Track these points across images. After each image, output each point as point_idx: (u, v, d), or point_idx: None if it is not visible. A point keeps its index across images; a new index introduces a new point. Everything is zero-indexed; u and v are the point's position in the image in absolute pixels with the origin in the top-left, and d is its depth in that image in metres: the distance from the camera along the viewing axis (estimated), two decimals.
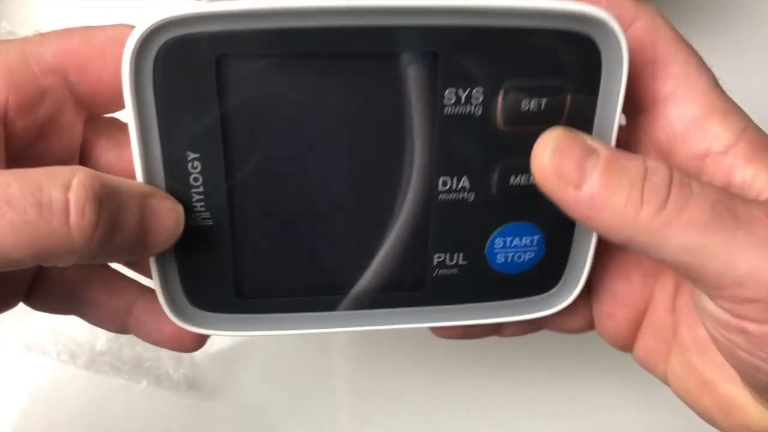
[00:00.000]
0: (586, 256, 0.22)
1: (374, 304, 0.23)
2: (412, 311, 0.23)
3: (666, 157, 0.21)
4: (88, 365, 0.40)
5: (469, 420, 0.41)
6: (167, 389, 0.40)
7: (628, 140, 0.22)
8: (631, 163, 0.18)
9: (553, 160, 0.18)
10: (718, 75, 0.21)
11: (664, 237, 0.18)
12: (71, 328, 0.40)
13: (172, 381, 0.40)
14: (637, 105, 0.21)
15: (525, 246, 0.22)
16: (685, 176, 0.18)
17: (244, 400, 0.41)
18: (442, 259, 0.22)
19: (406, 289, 0.23)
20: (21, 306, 0.40)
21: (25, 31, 0.40)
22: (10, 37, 0.40)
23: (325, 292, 0.23)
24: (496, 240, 0.22)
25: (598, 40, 0.19)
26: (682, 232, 0.18)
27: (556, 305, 0.23)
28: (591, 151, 0.18)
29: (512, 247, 0.22)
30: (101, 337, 0.40)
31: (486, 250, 0.22)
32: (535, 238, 0.22)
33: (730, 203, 0.18)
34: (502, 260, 0.22)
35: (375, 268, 0.22)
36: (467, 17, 0.18)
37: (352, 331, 0.24)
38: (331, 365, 0.41)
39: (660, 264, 0.22)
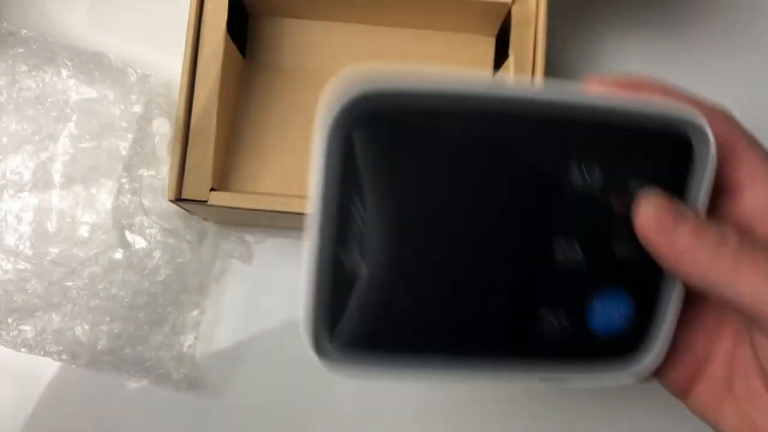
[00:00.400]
0: (671, 325, 0.25)
1: (483, 356, 0.25)
2: (517, 364, 0.25)
3: (756, 222, 0.25)
4: (89, 365, 0.40)
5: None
6: (168, 389, 0.40)
7: (714, 218, 0.26)
8: (712, 227, 0.23)
9: (656, 215, 0.23)
10: None
11: (737, 283, 0.22)
12: (72, 328, 0.40)
13: (173, 380, 0.40)
14: (719, 189, 0.25)
15: (620, 313, 0.25)
16: (749, 237, 0.23)
17: (244, 400, 0.41)
18: (547, 316, 0.24)
19: (512, 343, 0.25)
20: (19, 306, 0.40)
21: (25, 31, 0.40)
22: (11, 38, 0.40)
23: (452, 344, 0.25)
24: (596, 304, 0.24)
25: (694, 140, 0.23)
26: (751, 278, 0.22)
27: (643, 370, 0.25)
28: (683, 213, 0.23)
29: (609, 313, 0.24)
30: (102, 337, 0.40)
31: (586, 312, 0.24)
32: (629, 307, 0.25)
33: None
34: (599, 324, 0.24)
35: (489, 323, 0.24)
36: (601, 115, 0.23)
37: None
38: None
39: (721, 320, 0.26)
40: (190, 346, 0.41)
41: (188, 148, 0.35)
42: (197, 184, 0.35)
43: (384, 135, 0.22)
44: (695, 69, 0.44)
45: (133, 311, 0.40)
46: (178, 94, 0.35)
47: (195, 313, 0.41)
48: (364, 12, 0.39)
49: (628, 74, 0.25)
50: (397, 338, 0.24)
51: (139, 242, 0.39)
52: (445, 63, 0.40)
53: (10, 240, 0.40)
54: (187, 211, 0.38)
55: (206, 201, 0.35)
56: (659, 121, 0.23)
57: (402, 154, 0.22)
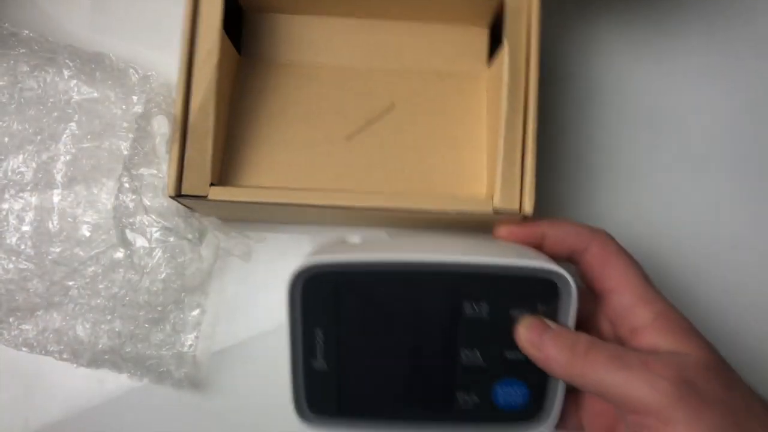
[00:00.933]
0: (559, 402, 0.34)
1: (421, 423, 0.36)
2: (442, 427, 0.35)
3: (614, 328, 0.33)
4: (90, 364, 0.40)
5: None
6: (169, 387, 0.40)
7: (595, 315, 0.35)
8: (568, 335, 0.32)
9: (526, 333, 0.32)
10: None
11: (585, 375, 0.30)
12: (73, 327, 0.40)
13: (174, 379, 0.40)
14: (595, 294, 0.34)
15: (516, 394, 0.34)
16: (595, 340, 0.31)
17: (245, 399, 0.41)
18: (463, 398, 0.35)
19: (441, 415, 0.35)
20: (20, 305, 0.40)
21: (27, 32, 0.41)
22: (13, 39, 0.41)
23: (395, 417, 0.36)
24: (498, 389, 0.34)
25: (558, 282, 0.33)
26: (594, 369, 0.30)
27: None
28: (546, 328, 0.32)
29: (508, 393, 0.34)
30: (103, 336, 0.40)
31: (492, 394, 0.35)
32: (523, 390, 0.34)
33: (624, 354, 0.30)
34: (503, 401, 0.35)
35: (423, 401, 0.35)
36: (479, 269, 0.33)
37: None
38: None
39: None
40: (191, 345, 0.41)
41: (186, 145, 0.35)
42: (197, 180, 0.35)
43: (324, 288, 0.33)
44: (687, 54, 0.44)
45: (133, 310, 0.40)
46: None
47: (196, 312, 0.41)
48: (356, 5, 0.39)
49: (527, 224, 0.35)
50: (354, 411, 0.36)
51: (139, 241, 0.40)
52: (439, 54, 0.40)
53: (12, 239, 0.40)
54: (188, 207, 0.38)
55: (206, 196, 0.35)
56: (534, 272, 0.33)
57: (339, 299, 0.33)
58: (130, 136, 0.39)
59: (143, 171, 0.39)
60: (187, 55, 0.35)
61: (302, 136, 0.39)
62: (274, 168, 0.39)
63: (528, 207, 0.35)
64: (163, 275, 0.39)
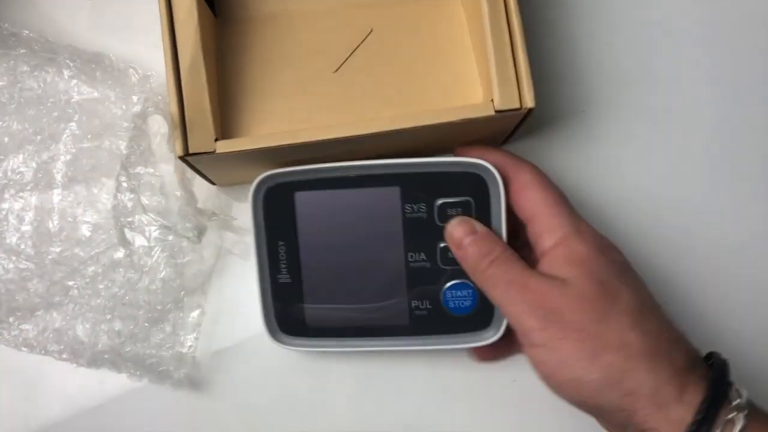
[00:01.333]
0: None
1: (381, 334, 0.38)
2: (402, 339, 0.38)
3: (534, 247, 0.35)
4: (90, 364, 0.40)
5: None
6: (168, 387, 0.40)
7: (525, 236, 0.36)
8: (486, 242, 0.35)
9: (452, 231, 0.35)
10: None
11: (482, 285, 0.35)
12: (73, 327, 0.40)
13: (173, 379, 0.40)
14: (524, 220, 0.36)
15: (465, 296, 0.36)
16: (507, 256, 0.34)
17: (244, 399, 0.41)
18: (416, 304, 0.37)
19: (397, 324, 0.37)
20: (20, 305, 0.40)
21: (27, 32, 0.41)
22: (13, 39, 0.41)
23: (358, 329, 0.38)
24: (446, 292, 0.36)
25: (487, 178, 0.36)
26: (488, 284, 0.34)
27: (492, 337, 0.36)
28: (472, 230, 0.35)
29: (457, 297, 0.36)
30: (103, 336, 0.40)
31: (441, 298, 0.37)
32: (470, 291, 0.36)
33: (516, 278, 0.33)
34: (453, 306, 0.36)
35: (380, 311, 0.37)
36: (414, 167, 0.36)
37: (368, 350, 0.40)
38: (330, 366, 0.41)
39: None
40: (190, 345, 0.41)
41: (185, 105, 0.35)
42: (201, 138, 0.35)
43: (283, 198, 0.37)
44: None
45: (133, 310, 0.40)
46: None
47: (196, 312, 0.41)
48: None
49: (467, 149, 0.37)
50: (318, 325, 0.38)
51: (138, 240, 0.40)
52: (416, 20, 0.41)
53: (12, 239, 0.40)
54: (195, 171, 0.38)
55: (214, 151, 0.35)
56: (464, 167, 0.36)
57: (298, 208, 0.37)
58: (129, 135, 0.39)
59: (140, 170, 0.39)
60: (167, 17, 0.36)
61: (291, 80, 0.39)
62: (273, 116, 0.39)
63: (529, 101, 0.34)
64: (163, 274, 0.39)
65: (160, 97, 0.40)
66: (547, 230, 0.34)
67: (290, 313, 0.38)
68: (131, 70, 0.41)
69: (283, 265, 0.37)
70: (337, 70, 0.40)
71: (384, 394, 0.41)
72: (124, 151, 0.40)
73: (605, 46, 0.43)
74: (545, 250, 0.34)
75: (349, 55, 0.40)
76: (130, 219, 0.39)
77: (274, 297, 0.37)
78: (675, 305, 0.35)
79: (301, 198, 0.37)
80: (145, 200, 0.39)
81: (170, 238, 0.39)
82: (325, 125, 0.35)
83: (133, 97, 0.41)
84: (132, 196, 0.38)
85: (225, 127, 0.39)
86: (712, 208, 0.42)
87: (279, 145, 0.35)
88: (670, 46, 0.44)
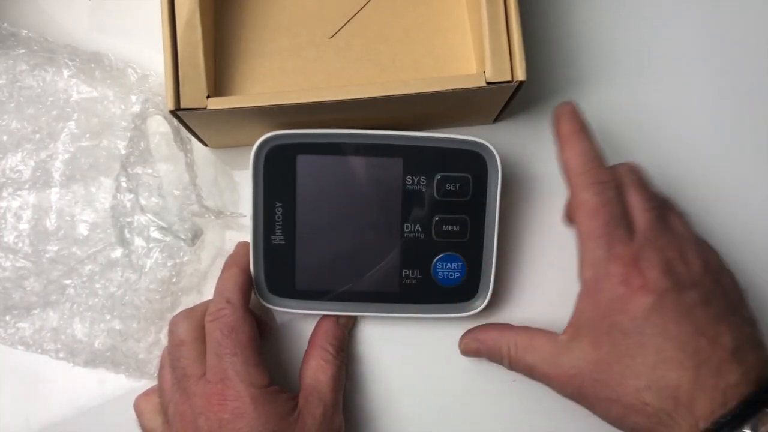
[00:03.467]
0: (492, 277, 0.38)
1: (369, 299, 0.39)
2: (391, 306, 0.39)
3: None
4: (87, 363, 0.40)
5: None
6: None
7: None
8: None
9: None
10: None
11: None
12: (70, 325, 0.40)
13: None
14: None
15: (454, 268, 0.38)
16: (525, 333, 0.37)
17: None
18: (407, 273, 0.38)
19: (386, 290, 0.38)
20: (17, 303, 0.40)
21: (26, 31, 0.41)
22: (12, 39, 0.41)
23: (349, 293, 0.39)
24: (437, 263, 0.38)
25: (487, 157, 0.37)
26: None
27: (476, 308, 0.38)
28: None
29: (446, 268, 0.38)
30: (100, 335, 0.40)
31: (431, 269, 0.38)
32: (460, 264, 0.38)
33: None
34: (442, 276, 0.38)
35: (371, 277, 0.38)
36: (418, 141, 0.37)
37: (358, 315, 0.41)
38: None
39: None
40: None
41: (179, 60, 0.35)
42: (194, 93, 0.35)
43: (284, 159, 0.37)
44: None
45: (131, 309, 0.40)
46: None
47: None
48: None
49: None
50: (308, 288, 0.38)
51: (137, 240, 0.40)
52: None
53: (9, 237, 0.40)
54: (187, 129, 0.38)
55: (205, 108, 0.35)
56: (463, 145, 0.37)
57: (297, 171, 0.37)
58: (128, 135, 0.39)
59: (139, 170, 0.39)
60: None
61: (287, 43, 0.40)
62: (266, 77, 0.39)
63: (520, 74, 0.35)
64: (161, 274, 0.39)
65: (159, 98, 0.40)
66: (583, 258, 0.35)
67: (281, 274, 0.38)
68: (130, 69, 0.41)
69: (278, 227, 0.38)
70: (333, 36, 0.40)
71: (370, 360, 0.41)
72: (123, 151, 0.40)
73: (601, 23, 0.44)
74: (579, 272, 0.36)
75: (346, 22, 0.40)
76: (129, 219, 0.39)
77: (265, 257, 0.38)
78: None
79: (303, 161, 0.37)
80: (142, 201, 0.39)
81: (168, 238, 0.39)
82: (317, 87, 0.35)
83: (132, 96, 0.41)
84: (131, 196, 0.39)
85: (219, 86, 0.39)
86: (709, 181, 0.43)
87: (269, 105, 0.35)
88: (664, 22, 0.44)
